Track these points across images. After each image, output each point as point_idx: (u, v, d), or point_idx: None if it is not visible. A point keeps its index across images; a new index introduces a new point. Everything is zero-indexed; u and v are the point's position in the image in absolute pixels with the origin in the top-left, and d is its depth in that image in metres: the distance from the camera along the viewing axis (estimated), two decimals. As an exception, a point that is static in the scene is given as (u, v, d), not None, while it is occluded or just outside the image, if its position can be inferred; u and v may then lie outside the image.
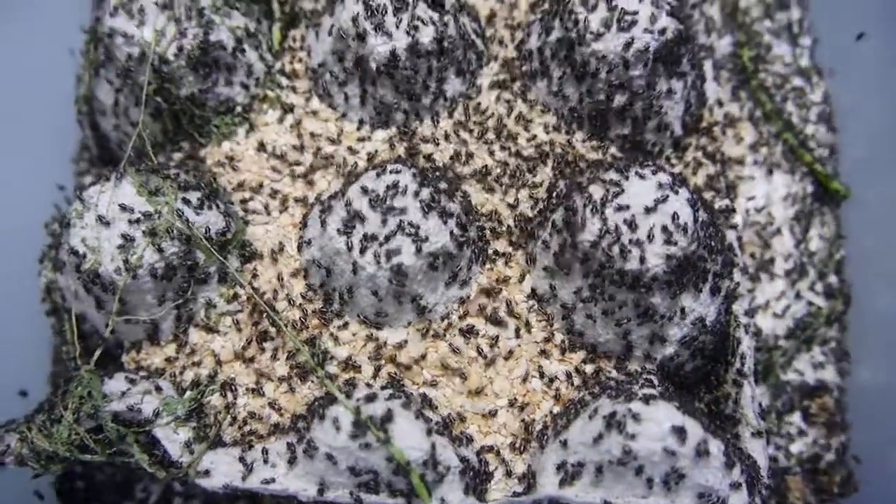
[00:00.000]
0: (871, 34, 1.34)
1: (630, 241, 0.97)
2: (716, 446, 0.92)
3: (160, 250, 1.00)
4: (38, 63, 1.37)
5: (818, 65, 1.41)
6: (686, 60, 1.15)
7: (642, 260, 0.96)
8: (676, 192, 0.99)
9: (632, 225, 0.97)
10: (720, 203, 1.16)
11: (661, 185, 1.00)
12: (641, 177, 1.00)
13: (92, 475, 1.26)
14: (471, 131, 1.15)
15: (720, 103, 1.25)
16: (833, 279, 1.32)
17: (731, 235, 1.14)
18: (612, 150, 1.15)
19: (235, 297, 1.07)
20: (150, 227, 1.00)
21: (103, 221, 1.00)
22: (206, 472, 0.97)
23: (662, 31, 1.09)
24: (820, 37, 1.42)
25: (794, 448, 1.26)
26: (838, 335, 1.31)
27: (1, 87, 1.38)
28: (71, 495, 1.25)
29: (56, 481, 1.24)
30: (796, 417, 1.27)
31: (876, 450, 1.25)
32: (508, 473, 0.99)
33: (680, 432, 0.90)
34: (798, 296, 1.31)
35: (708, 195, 1.17)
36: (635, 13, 1.08)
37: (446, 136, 1.15)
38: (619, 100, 1.12)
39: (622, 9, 1.09)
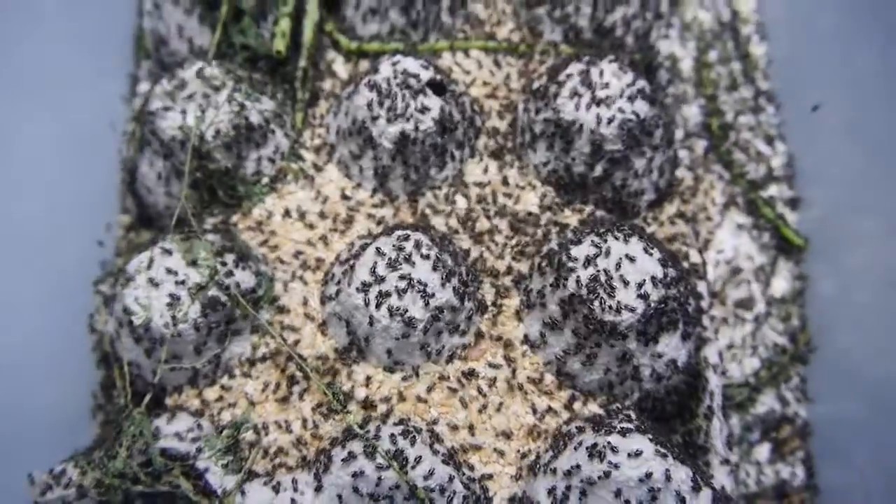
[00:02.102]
0: (830, 101, 1.49)
1: (609, 295, 1.12)
2: (684, 472, 1.06)
3: (202, 308, 1.16)
4: (81, 130, 1.50)
5: (781, 131, 1.57)
6: (659, 132, 1.31)
7: (619, 312, 1.11)
8: (650, 254, 1.14)
9: (610, 282, 1.12)
10: (692, 257, 1.31)
11: (635, 247, 1.15)
12: (617, 239, 1.16)
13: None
14: (470, 198, 1.30)
15: (690, 168, 1.40)
16: (796, 322, 1.47)
17: (701, 286, 1.29)
18: (596, 213, 1.31)
19: (266, 346, 1.22)
20: (195, 287, 1.16)
21: (153, 283, 1.16)
22: (242, 498, 1.11)
23: (637, 110, 1.25)
24: (783, 104, 1.58)
25: (763, 476, 1.40)
26: (802, 373, 1.46)
27: (52, 147, 1.50)
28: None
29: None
30: (765, 448, 1.42)
31: (838, 479, 1.39)
32: (506, 498, 1.13)
33: (652, 461, 1.05)
34: (765, 338, 1.46)
35: (680, 250, 1.32)
36: (612, 97, 1.25)
37: (449, 203, 1.30)
38: (600, 170, 1.28)
39: (602, 91, 1.25)
